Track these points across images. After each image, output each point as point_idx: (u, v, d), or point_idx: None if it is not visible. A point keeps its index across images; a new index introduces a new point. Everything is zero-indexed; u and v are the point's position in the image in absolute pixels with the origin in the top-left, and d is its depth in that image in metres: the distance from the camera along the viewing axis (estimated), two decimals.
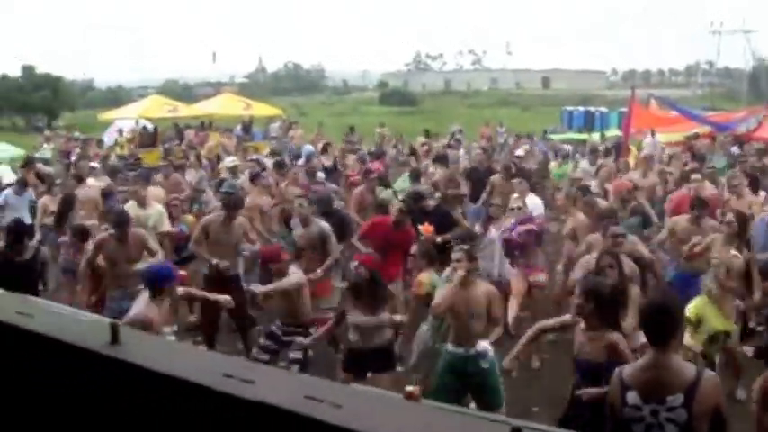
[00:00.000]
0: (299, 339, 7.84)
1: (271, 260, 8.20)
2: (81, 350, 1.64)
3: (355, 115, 54.26)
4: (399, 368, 7.84)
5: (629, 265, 7.37)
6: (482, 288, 6.89)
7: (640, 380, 3.95)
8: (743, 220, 8.32)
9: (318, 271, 9.11)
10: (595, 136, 27.81)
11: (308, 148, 19.15)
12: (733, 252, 7.71)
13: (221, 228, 9.44)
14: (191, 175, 14.68)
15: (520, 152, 20.21)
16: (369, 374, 7.12)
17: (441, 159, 16.01)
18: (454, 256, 7.15)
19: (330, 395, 1.43)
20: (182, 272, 8.60)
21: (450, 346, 6.84)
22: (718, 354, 7.53)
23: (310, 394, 1.42)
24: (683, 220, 9.69)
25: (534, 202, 11.38)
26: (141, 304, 6.53)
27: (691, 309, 7.18)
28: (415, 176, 13.43)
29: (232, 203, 9.75)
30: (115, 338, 1.65)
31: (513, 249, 9.51)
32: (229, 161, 15.67)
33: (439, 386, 6.70)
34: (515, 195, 11.18)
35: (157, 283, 6.56)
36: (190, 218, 10.62)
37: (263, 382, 1.49)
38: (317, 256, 9.34)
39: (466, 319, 6.72)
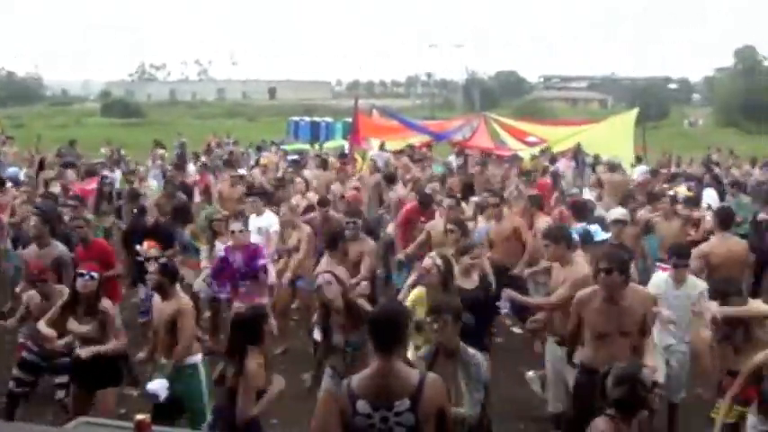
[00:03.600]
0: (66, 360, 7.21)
1: (39, 277, 7.48)
2: None
3: (77, 127, 52.02)
4: None
5: None
6: (174, 305, 6.81)
7: (368, 388, 4.03)
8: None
9: None
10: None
11: (13, 170, 17.49)
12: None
13: None
14: None
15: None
16: None
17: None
18: None
19: None
20: None
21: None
22: None
23: None
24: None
25: (270, 220, 10.72)
26: None
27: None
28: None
29: None
30: None
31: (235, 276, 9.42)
32: None
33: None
34: (253, 215, 10.72)
35: None
36: None
37: None
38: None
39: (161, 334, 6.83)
